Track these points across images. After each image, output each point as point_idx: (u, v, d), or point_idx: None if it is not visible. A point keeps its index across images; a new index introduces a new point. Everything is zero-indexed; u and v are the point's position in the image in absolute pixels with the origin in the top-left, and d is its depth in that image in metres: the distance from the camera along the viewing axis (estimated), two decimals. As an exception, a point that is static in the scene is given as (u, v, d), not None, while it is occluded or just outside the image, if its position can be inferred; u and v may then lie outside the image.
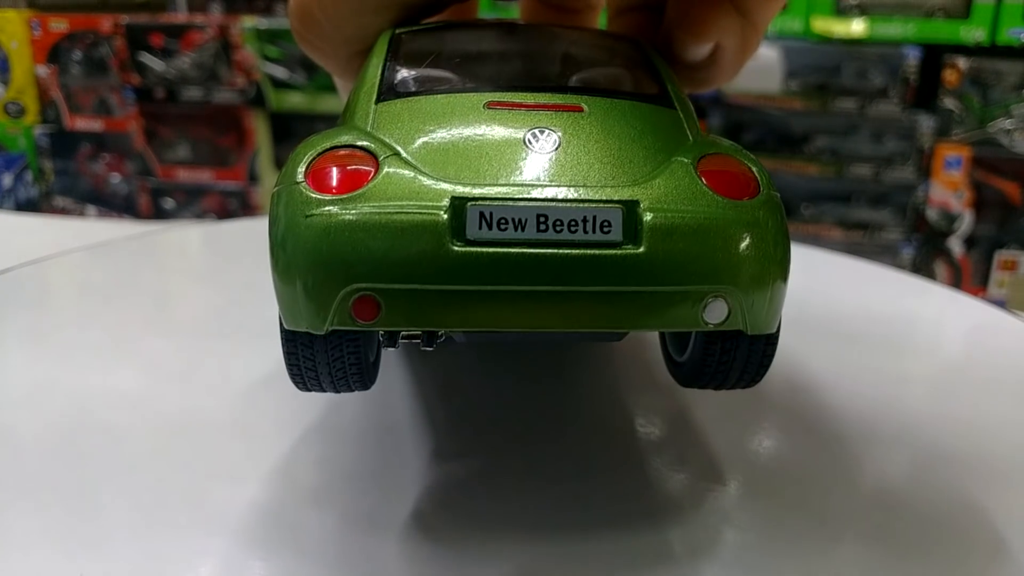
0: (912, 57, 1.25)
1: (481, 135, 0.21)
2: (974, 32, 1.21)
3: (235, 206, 1.58)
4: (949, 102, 1.27)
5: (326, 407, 0.30)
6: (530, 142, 0.20)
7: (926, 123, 1.28)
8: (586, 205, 0.19)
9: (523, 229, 0.19)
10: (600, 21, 0.34)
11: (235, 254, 0.52)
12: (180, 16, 1.53)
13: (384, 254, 0.19)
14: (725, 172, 0.21)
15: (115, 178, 1.62)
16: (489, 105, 0.21)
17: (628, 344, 0.37)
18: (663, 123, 0.22)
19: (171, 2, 1.55)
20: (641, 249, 0.19)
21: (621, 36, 0.28)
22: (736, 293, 0.20)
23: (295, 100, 1.48)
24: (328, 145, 0.20)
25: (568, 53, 0.26)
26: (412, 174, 0.20)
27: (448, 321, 0.19)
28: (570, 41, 0.26)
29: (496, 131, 0.21)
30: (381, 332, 0.23)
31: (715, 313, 0.20)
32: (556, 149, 0.20)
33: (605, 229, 0.19)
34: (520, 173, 0.20)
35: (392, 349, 0.23)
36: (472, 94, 0.22)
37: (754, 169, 0.21)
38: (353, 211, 0.19)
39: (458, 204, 0.19)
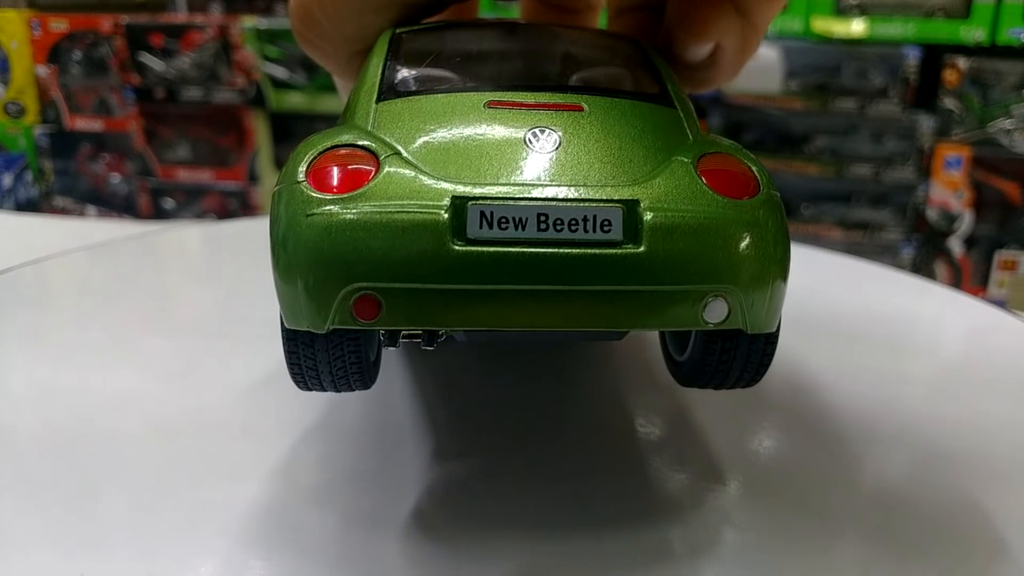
0: (912, 57, 1.25)
1: (482, 134, 0.21)
2: (974, 32, 1.21)
3: (235, 206, 1.58)
4: (949, 102, 1.27)
5: (327, 407, 0.30)
6: (530, 141, 0.20)
7: (926, 123, 1.28)
8: (586, 204, 0.19)
9: (523, 228, 0.19)
10: (600, 21, 0.34)
11: (235, 254, 0.52)
12: (180, 16, 1.53)
13: (385, 253, 0.19)
14: (725, 171, 0.21)
15: (115, 178, 1.62)
16: (489, 104, 0.21)
17: (628, 344, 0.37)
18: (663, 122, 0.22)
19: (171, 2, 1.55)
20: (641, 248, 0.19)
21: (621, 36, 0.28)
22: (736, 292, 0.20)
23: (295, 100, 1.48)
24: (329, 144, 0.21)
25: (568, 52, 0.26)
26: (413, 173, 0.20)
27: (449, 320, 0.19)
28: (570, 41, 0.26)
29: (496, 130, 0.21)
30: (382, 331, 0.23)
31: (715, 312, 0.20)
32: (556, 148, 0.20)
33: (605, 228, 0.19)
34: (520, 172, 0.20)
35: (393, 348, 0.23)
36: (472, 93, 0.22)
37: (754, 168, 0.21)
38: (354, 210, 0.19)
39: (459, 203, 0.19)
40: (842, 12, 1.26)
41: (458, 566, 0.22)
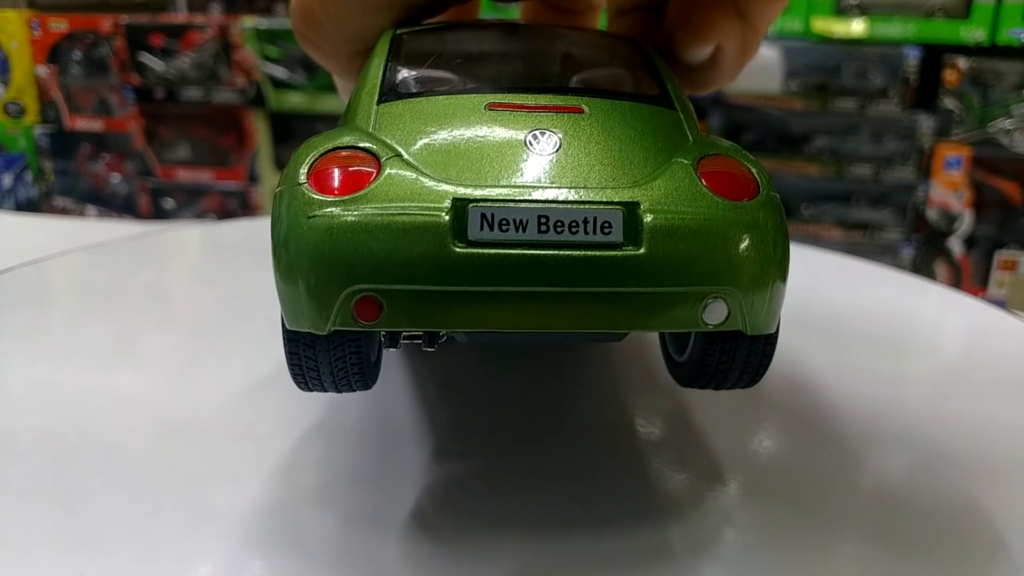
0: (912, 57, 1.25)
1: (482, 136, 0.21)
2: (974, 32, 1.21)
3: (235, 206, 1.58)
4: (949, 102, 1.27)
5: (327, 407, 0.30)
6: (531, 143, 0.21)
7: (926, 123, 1.28)
8: (587, 206, 0.19)
9: (524, 230, 0.19)
10: (600, 22, 0.34)
11: (235, 254, 0.52)
12: (180, 16, 1.53)
13: (386, 255, 0.19)
14: (725, 173, 0.21)
15: (115, 178, 1.62)
16: (490, 107, 0.22)
17: (628, 344, 0.37)
18: (663, 124, 0.22)
19: (171, 2, 1.55)
20: (641, 250, 0.19)
21: (621, 37, 0.28)
22: (736, 294, 0.20)
23: (295, 100, 1.48)
24: (330, 146, 0.21)
25: (569, 54, 0.26)
26: (414, 175, 0.20)
27: (450, 322, 0.19)
28: (571, 42, 0.26)
29: (497, 132, 0.21)
30: (383, 332, 0.23)
31: (715, 314, 0.20)
32: (557, 150, 0.20)
33: (606, 230, 0.19)
34: (521, 174, 0.20)
35: (393, 349, 0.24)
36: (473, 95, 0.22)
37: (754, 170, 0.21)
38: (355, 212, 0.19)
39: (460, 205, 0.19)
40: (842, 12, 1.26)
41: (458, 566, 0.22)
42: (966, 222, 1.30)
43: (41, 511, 0.24)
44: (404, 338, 0.23)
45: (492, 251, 0.19)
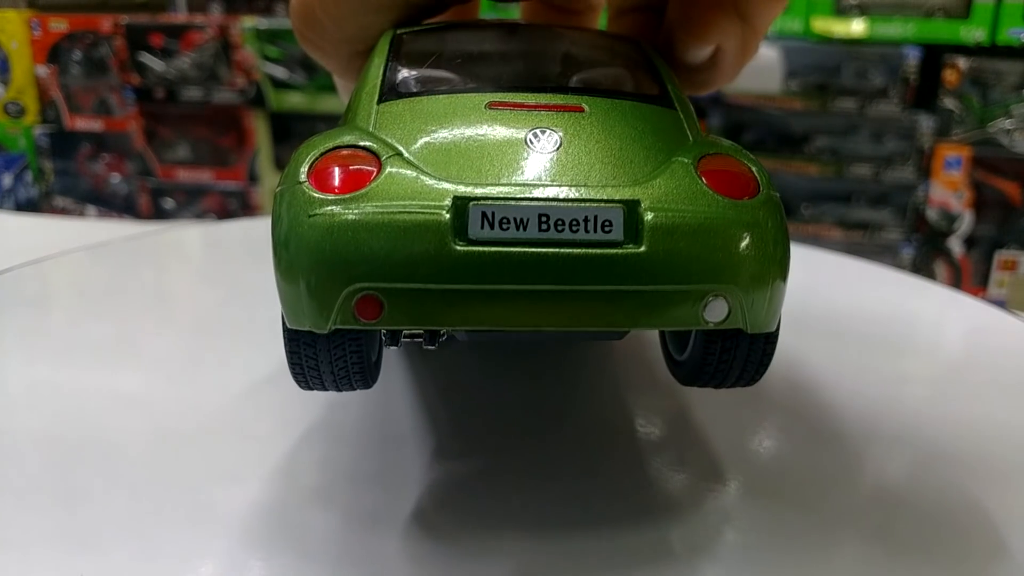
0: (912, 57, 1.25)
1: (483, 135, 0.21)
2: (974, 32, 1.21)
3: (235, 206, 1.58)
4: (949, 102, 1.27)
5: (328, 407, 0.30)
6: (531, 142, 0.21)
7: (926, 123, 1.28)
8: (587, 205, 0.19)
9: (525, 229, 0.19)
10: (600, 22, 0.34)
11: (235, 254, 0.52)
12: (180, 16, 1.53)
13: (387, 254, 0.19)
14: (725, 172, 0.21)
15: (115, 178, 1.62)
16: (490, 105, 0.22)
17: (628, 343, 0.37)
18: (663, 123, 0.22)
19: (171, 2, 1.55)
20: (642, 248, 0.19)
21: (621, 37, 0.28)
22: (736, 292, 0.20)
23: (295, 100, 1.48)
24: (331, 145, 0.21)
25: (569, 53, 0.26)
26: (414, 174, 0.20)
27: (450, 320, 0.19)
28: (571, 42, 0.26)
29: (498, 131, 0.21)
30: (383, 331, 0.23)
31: (715, 312, 0.20)
32: (557, 149, 0.20)
33: (606, 228, 0.19)
34: (522, 173, 0.20)
35: (394, 348, 0.24)
36: (473, 94, 0.22)
37: (754, 169, 0.21)
38: (356, 211, 0.19)
39: (460, 204, 0.19)
40: (842, 12, 1.26)
41: (459, 565, 0.22)
42: (966, 222, 1.31)
43: (41, 511, 0.24)
44: (405, 337, 0.23)
45: (493, 249, 0.19)
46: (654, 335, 0.33)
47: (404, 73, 0.24)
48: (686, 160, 0.21)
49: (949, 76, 1.26)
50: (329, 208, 0.19)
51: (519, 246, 0.19)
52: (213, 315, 0.41)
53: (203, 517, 0.24)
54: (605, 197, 0.20)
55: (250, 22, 1.46)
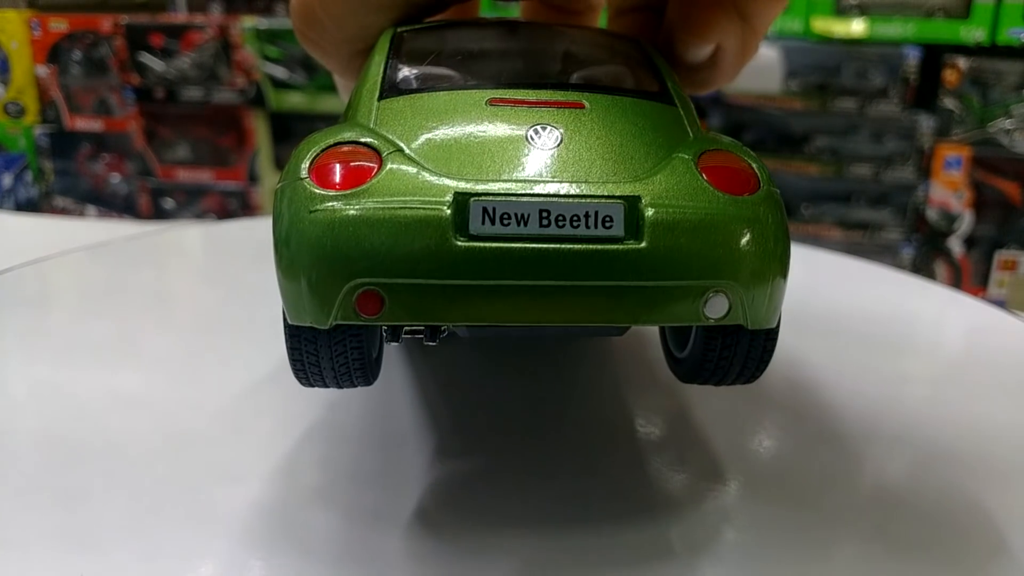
0: (912, 57, 1.25)
1: (483, 131, 0.21)
2: (974, 32, 1.21)
3: (235, 206, 1.58)
4: (949, 102, 1.27)
5: (328, 406, 0.30)
6: (532, 138, 0.21)
7: (926, 123, 1.28)
8: (588, 200, 0.19)
9: (526, 224, 0.19)
10: (601, 22, 0.34)
11: (235, 254, 0.52)
12: (180, 16, 1.53)
13: (388, 249, 0.19)
14: (725, 168, 0.21)
15: (115, 178, 1.62)
16: (491, 102, 0.22)
17: (628, 342, 0.37)
18: (664, 120, 0.22)
19: (171, 2, 1.55)
20: (643, 244, 0.19)
21: (621, 35, 0.28)
22: (736, 288, 0.20)
23: (295, 100, 1.48)
24: (331, 141, 0.21)
25: (569, 51, 0.26)
26: (415, 170, 0.20)
27: (451, 315, 0.19)
28: (571, 39, 0.26)
29: (498, 127, 0.21)
30: (384, 327, 0.23)
31: (716, 308, 0.20)
32: (558, 145, 0.20)
33: (607, 224, 0.19)
34: (522, 169, 0.20)
35: (395, 345, 0.24)
36: (474, 91, 0.22)
37: (754, 165, 0.21)
38: (357, 207, 0.19)
39: (461, 200, 0.19)
40: (842, 12, 1.26)
41: (460, 562, 0.22)
42: (966, 222, 1.30)
43: (41, 511, 0.24)
44: (406, 333, 0.23)
45: (493, 245, 0.19)
46: (654, 332, 0.33)
47: (405, 70, 0.24)
48: (686, 156, 0.21)
49: (949, 76, 1.26)
50: (330, 204, 0.19)
51: (520, 242, 0.19)
52: (213, 315, 0.41)
53: (203, 517, 0.24)
54: (606, 193, 0.20)
55: (250, 22, 1.46)
